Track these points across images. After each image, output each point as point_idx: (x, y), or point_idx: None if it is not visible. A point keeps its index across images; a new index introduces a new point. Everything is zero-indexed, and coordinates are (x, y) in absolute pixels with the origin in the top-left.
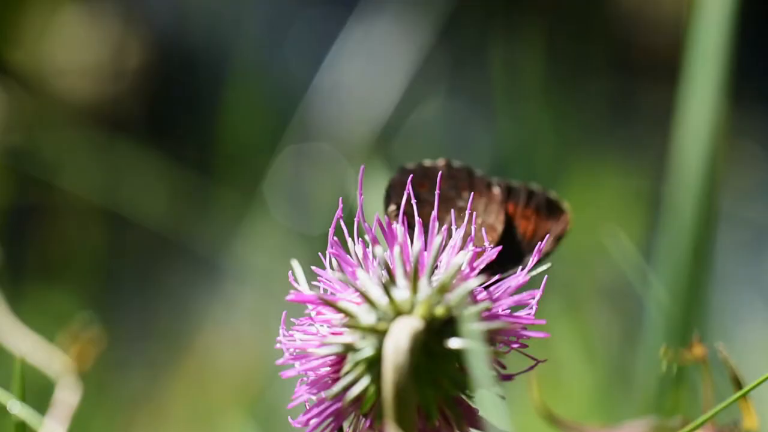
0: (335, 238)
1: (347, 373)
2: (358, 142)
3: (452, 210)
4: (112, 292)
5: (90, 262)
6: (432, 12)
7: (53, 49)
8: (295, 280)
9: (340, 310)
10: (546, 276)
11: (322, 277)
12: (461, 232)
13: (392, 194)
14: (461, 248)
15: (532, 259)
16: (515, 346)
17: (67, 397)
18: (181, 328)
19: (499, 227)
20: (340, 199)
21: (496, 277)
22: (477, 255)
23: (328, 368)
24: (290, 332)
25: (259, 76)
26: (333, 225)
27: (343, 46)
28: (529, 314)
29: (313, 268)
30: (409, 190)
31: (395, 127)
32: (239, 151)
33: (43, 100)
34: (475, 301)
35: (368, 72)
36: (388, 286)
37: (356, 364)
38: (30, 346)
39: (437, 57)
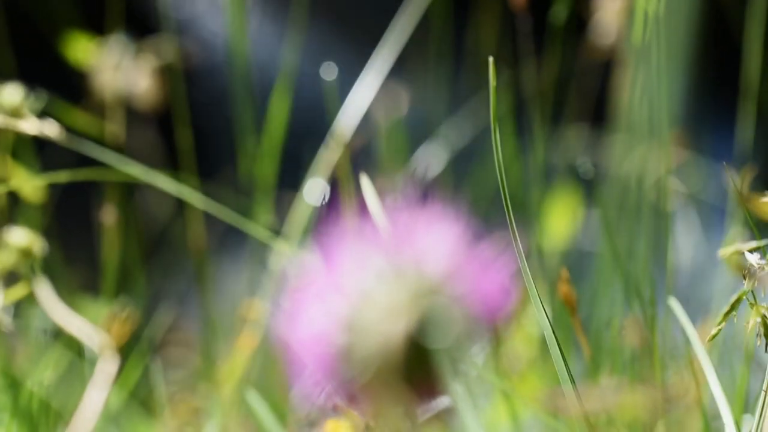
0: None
1: (341, 363)
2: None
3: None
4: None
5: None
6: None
7: (98, 72)
8: (298, 277)
9: (334, 305)
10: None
11: (322, 274)
12: (449, 233)
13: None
14: (450, 248)
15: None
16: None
17: (107, 368)
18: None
19: None
20: (326, 195)
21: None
22: (464, 254)
23: (327, 357)
24: (293, 325)
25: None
26: (326, 226)
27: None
28: (504, 311)
29: (315, 267)
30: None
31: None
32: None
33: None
34: (459, 300)
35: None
36: (381, 283)
37: (349, 355)
38: (74, 325)
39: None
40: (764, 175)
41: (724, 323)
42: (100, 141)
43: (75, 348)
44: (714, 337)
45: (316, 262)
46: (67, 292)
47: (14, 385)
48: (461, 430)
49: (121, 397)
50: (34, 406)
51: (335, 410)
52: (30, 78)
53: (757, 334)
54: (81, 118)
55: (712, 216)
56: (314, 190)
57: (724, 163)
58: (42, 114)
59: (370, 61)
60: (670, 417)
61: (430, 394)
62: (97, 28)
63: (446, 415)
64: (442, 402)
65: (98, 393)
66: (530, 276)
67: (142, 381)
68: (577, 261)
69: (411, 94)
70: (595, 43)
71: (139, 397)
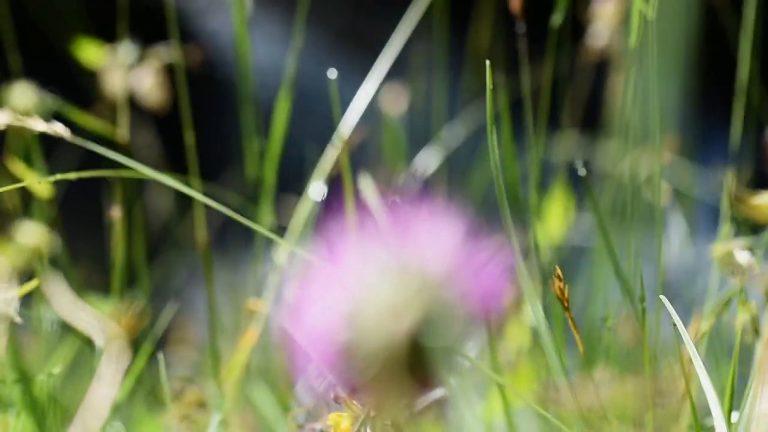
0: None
1: (342, 356)
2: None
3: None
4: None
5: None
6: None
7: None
8: (301, 273)
9: (336, 301)
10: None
11: (324, 271)
12: (447, 230)
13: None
14: (447, 245)
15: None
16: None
17: (115, 361)
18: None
19: None
20: (327, 194)
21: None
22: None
23: (328, 351)
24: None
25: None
26: (328, 224)
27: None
28: (499, 306)
29: (317, 263)
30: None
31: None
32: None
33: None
34: (457, 295)
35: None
36: (381, 279)
37: (350, 349)
38: (82, 319)
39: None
40: (755, 177)
41: (714, 320)
42: (108, 141)
43: (83, 342)
44: (705, 333)
45: (318, 259)
46: (76, 287)
47: (24, 378)
48: (457, 421)
49: (127, 389)
50: (43, 399)
51: (337, 402)
52: (40, 80)
53: (746, 331)
54: (89, 119)
55: (704, 215)
56: (316, 189)
57: (716, 164)
58: (52, 115)
59: (372, 63)
60: (661, 410)
61: (428, 387)
62: (106, 32)
63: (443, 407)
64: (439, 394)
65: (106, 386)
66: (525, 272)
67: (147, 374)
68: (571, 258)
69: (411, 96)
70: (591, 47)
71: (145, 390)
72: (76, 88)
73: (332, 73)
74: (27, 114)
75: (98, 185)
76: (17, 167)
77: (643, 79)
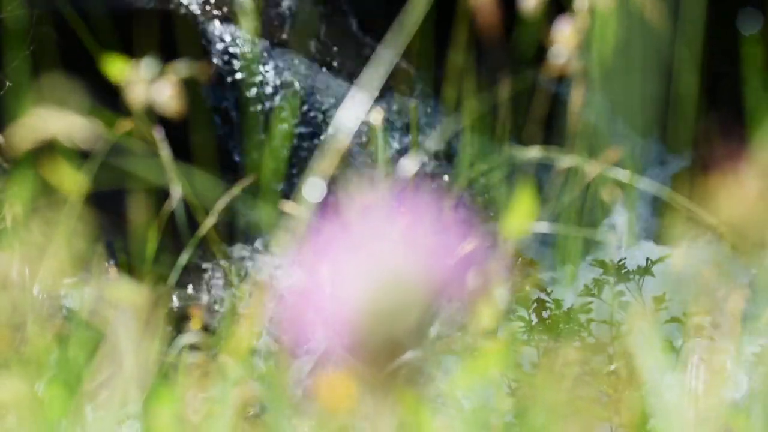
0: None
1: (337, 328)
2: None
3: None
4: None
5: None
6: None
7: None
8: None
9: (331, 283)
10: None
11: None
12: (428, 222)
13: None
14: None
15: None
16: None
17: (137, 338)
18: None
19: None
20: (323, 192)
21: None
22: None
23: (325, 324)
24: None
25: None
26: (323, 218)
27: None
28: (474, 287)
29: (314, 253)
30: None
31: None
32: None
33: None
34: (436, 277)
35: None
36: (369, 265)
37: (344, 322)
38: (107, 300)
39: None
40: (699, 180)
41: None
42: (132, 143)
43: (110, 322)
44: (652, 313)
45: (318, 245)
46: (100, 273)
47: (60, 354)
48: (434, 384)
49: (145, 363)
50: (75, 372)
51: (333, 365)
52: (77, 89)
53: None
54: (116, 122)
55: (651, 214)
56: (313, 187)
57: (661, 169)
58: (84, 119)
59: (362, 75)
60: (615, 372)
61: (408, 354)
62: (131, 49)
63: (422, 373)
64: (418, 361)
65: (128, 360)
66: (496, 259)
67: (163, 349)
68: (537, 247)
69: (398, 104)
70: (554, 64)
71: (159, 363)
72: (108, 96)
73: (329, 85)
74: (66, 117)
75: (124, 180)
76: (55, 169)
77: (600, 91)
